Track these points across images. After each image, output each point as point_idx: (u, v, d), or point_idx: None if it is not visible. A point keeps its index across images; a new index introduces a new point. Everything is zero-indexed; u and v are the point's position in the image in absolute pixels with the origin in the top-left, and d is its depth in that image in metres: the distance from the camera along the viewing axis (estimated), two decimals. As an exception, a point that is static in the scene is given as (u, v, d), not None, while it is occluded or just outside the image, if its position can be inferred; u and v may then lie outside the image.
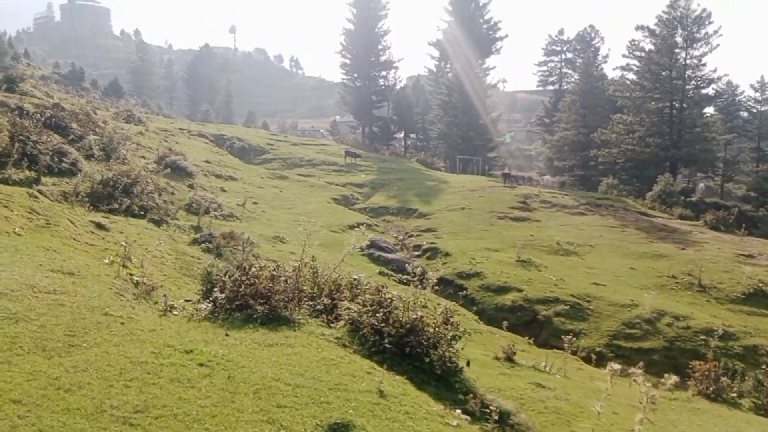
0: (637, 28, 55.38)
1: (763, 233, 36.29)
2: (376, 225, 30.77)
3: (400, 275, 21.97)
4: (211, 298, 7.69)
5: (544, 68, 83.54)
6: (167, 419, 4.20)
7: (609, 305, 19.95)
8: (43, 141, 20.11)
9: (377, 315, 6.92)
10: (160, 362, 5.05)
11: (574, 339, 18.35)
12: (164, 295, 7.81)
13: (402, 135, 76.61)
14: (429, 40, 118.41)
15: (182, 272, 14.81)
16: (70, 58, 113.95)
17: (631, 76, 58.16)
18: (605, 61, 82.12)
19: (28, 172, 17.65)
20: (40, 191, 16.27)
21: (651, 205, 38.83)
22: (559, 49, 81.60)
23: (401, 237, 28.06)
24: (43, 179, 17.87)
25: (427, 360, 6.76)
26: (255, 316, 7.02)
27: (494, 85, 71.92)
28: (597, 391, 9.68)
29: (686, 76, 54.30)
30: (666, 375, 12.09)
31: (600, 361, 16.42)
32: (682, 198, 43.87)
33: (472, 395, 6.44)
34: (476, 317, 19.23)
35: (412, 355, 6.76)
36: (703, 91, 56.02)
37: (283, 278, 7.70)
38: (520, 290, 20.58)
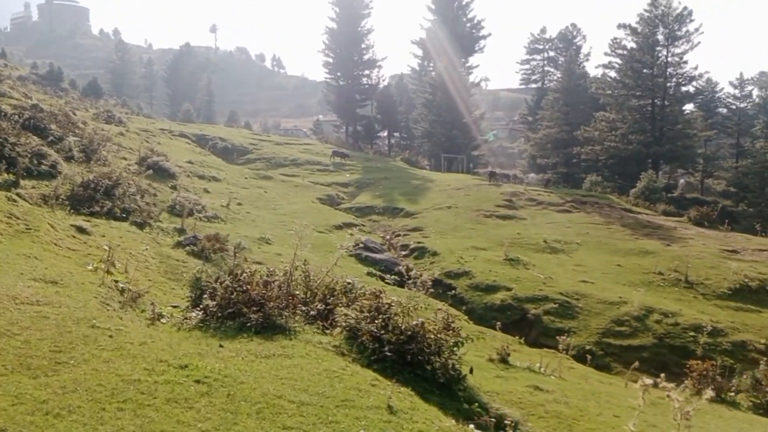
0: (619, 26, 55.89)
1: (743, 228, 36.67)
2: (363, 225, 30.55)
3: (389, 276, 21.82)
4: (201, 306, 7.41)
5: (527, 66, 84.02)
6: (166, 448, 3.93)
7: (598, 303, 19.96)
8: (21, 143, 19.58)
9: (376, 321, 6.71)
10: (154, 380, 4.78)
11: (565, 338, 18.39)
12: (152, 303, 7.52)
13: (386, 134, 76.40)
14: (412, 38, 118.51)
15: (167, 276, 14.47)
16: (48, 59, 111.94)
17: (613, 74, 58.67)
18: (587, 59, 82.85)
19: (6, 174, 17.15)
20: (19, 194, 15.82)
21: (635, 202, 39.10)
22: (541, 47, 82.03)
23: (388, 237, 27.88)
24: (22, 182, 17.38)
25: (429, 368, 6.57)
26: (249, 324, 6.77)
27: (477, 83, 72.10)
28: (595, 394, 9.59)
29: (668, 73, 54.83)
30: (662, 375, 12.08)
31: (592, 360, 16.40)
32: (665, 194, 44.27)
33: (477, 404, 6.26)
34: (466, 317, 19.09)
35: (414, 362, 6.56)
36: (684, 89, 56.60)
37: (277, 284, 7.45)
38: (509, 289, 20.51)
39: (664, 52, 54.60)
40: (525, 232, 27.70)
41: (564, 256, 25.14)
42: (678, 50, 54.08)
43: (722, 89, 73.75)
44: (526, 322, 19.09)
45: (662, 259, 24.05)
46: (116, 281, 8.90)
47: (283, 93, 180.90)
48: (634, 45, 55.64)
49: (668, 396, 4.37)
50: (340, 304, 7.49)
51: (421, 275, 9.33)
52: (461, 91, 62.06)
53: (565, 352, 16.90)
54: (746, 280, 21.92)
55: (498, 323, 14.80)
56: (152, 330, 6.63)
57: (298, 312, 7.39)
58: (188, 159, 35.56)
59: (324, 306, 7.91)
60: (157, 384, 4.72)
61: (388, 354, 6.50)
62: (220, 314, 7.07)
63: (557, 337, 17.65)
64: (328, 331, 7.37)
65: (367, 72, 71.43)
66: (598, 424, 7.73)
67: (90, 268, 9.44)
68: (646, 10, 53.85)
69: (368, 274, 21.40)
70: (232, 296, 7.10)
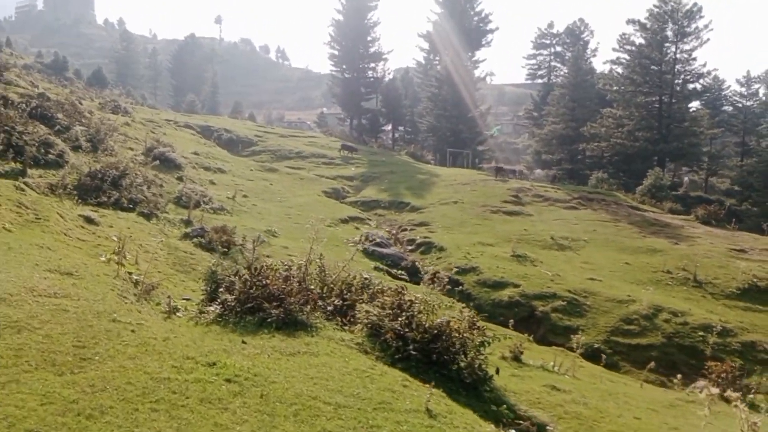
0: (628, 21, 55.49)
1: (748, 227, 36.44)
2: (369, 219, 30.42)
3: (396, 270, 21.71)
4: (219, 300, 7.29)
5: (533, 61, 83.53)
6: (209, 453, 3.78)
7: (606, 301, 19.84)
8: (29, 132, 19.47)
9: (399, 319, 6.59)
10: (184, 378, 4.66)
11: (574, 335, 18.28)
12: (168, 297, 7.39)
13: (390, 127, 76.17)
14: (419, 32, 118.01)
15: (176, 268, 14.36)
16: (52, 48, 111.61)
17: (620, 70, 58.30)
18: (594, 55, 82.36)
19: (13, 163, 17.03)
20: (26, 184, 15.71)
21: (641, 200, 38.92)
22: (548, 42, 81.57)
23: (394, 231, 27.74)
24: (30, 171, 17.26)
25: (455, 367, 6.45)
26: (269, 320, 6.65)
27: (483, 78, 71.77)
28: (612, 394, 9.47)
29: (676, 70, 54.47)
30: (679, 376, 11.96)
31: (604, 359, 16.27)
32: (671, 192, 44.07)
33: (505, 406, 6.14)
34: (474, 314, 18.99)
35: (439, 362, 6.44)
36: (692, 86, 56.29)
37: (296, 279, 7.32)
38: (516, 286, 20.39)
39: (673, 49, 54.25)
40: (532, 228, 27.56)
41: (571, 253, 25.01)
42: (687, 47, 53.76)
43: (729, 87, 73.29)
44: (534, 320, 18.98)
45: (670, 258, 23.90)
46: (130, 273, 8.78)
47: (287, 85, 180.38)
48: (642, 41, 55.27)
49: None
50: (359, 301, 7.37)
51: (437, 272, 9.14)
52: (467, 85, 61.78)
53: (571, 349, 16.82)
54: (755, 279, 21.77)
55: (511, 321, 14.67)
56: (171, 324, 6.51)
57: (318, 308, 7.27)
58: (194, 150, 35.40)
59: (341, 302, 7.80)
60: (188, 383, 4.59)
61: (413, 353, 6.39)
62: (238, 309, 6.95)
63: (572, 336, 17.60)
64: (346, 328, 7.26)
65: (372, 65, 71.20)
66: (619, 426, 7.62)
67: (103, 259, 9.33)
68: (655, 6, 53.45)
69: (375, 268, 21.27)
70: (251, 291, 6.98)
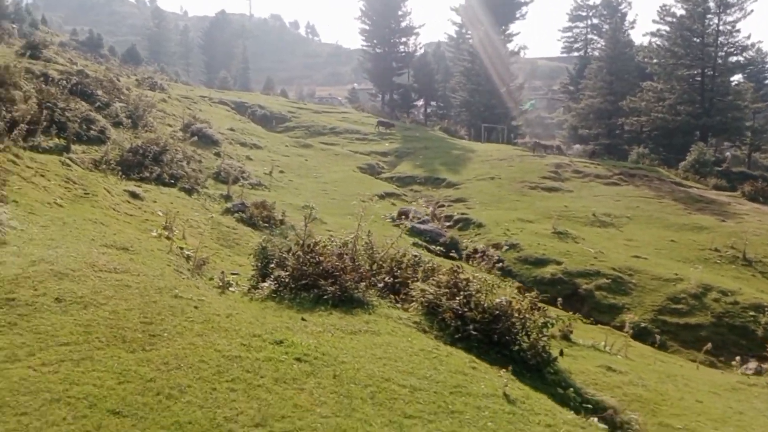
0: (669, -8, 53.27)
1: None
2: (404, 195, 30.24)
3: (434, 246, 21.51)
4: (272, 276, 7.21)
5: (569, 34, 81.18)
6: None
7: (652, 279, 19.36)
8: (71, 108, 19.66)
9: (457, 298, 6.41)
10: (255, 357, 4.57)
11: (619, 314, 17.97)
12: (222, 272, 7.35)
13: (422, 103, 75.30)
14: (451, 5, 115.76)
15: (220, 243, 14.45)
16: (86, 25, 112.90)
17: (661, 42, 56.24)
18: (633, 27, 79.40)
19: (57, 139, 17.22)
20: (71, 159, 15.90)
21: (684, 175, 37.77)
22: (584, 14, 79.11)
23: (431, 207, 27.45)
24: (73, 147, 17.46)
25: (516, 348, 6.27)
26: (325, 297, 6.55)
27: (517, 52, 70.08)
28: (670, 376, 9.19)
29: (719, 42, 52.29)
30: (738, 358, 11.56)
31: (656, 338, 15.91)
32: (715, 168, 42.69)
33: (572, 389, 5.95)
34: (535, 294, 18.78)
35: (501, 342, 6.26)
36: (734, 59, 54.01)
37: (349, 256, 7.19)
38: (558, 263, 20.02)
39: (715, 20, 51.99)
40: (572, 204, 26.99)
41: (614, 230, 24.44)
42: (730, 18, 51.46)
43: (773, 59, 70.18)
44: (578, 297, 18.63)
45: (718, 236, 23.16)
46: (181, 248, 8.78)
47: (318, 61, 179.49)
48: (683, 12, 53.09)
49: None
50: (411, 279, 7.21)
51: (485, 250, 8.81)
52: (501, 59, 60.51)
53: (617, 328, 16.51)
54: (808, 258, 20.98)
55: (558, 299, 14.39)
56: (228, 299, 6.46)
57: (371, 285, 7.13)
58: (229, 126, 35.54)
59: (392, 279, 7.64)
60: (259, 361, 4.51)
61: (474, 333, 6.21)
62: (293, 285, 6.87)
63: (613, 314, 17.28)
64: (400, 306, 7.12)
65: (404, 39, 70.18)
66: (682, 409, 7.36)
67: (154, 234, 9.36)
68: (697, -24, 51.20)
69: (414, 244, 21.13)
70: (305, 267, 6.88)
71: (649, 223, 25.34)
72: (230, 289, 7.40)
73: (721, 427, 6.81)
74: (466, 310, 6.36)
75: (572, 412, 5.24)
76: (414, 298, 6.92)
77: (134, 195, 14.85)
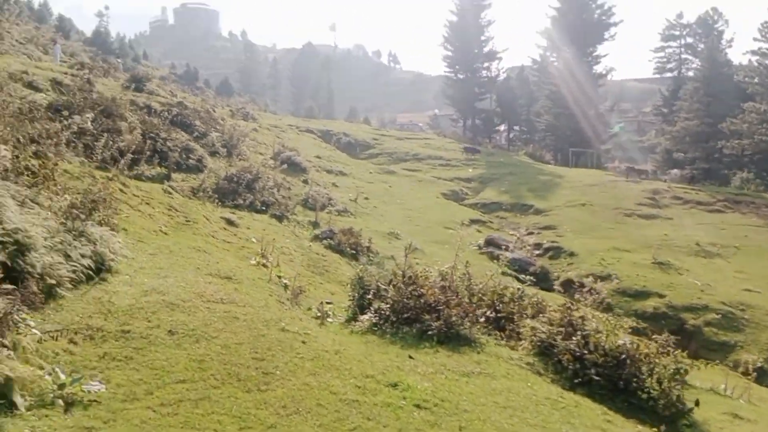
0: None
1: None
2: (490, 221, 29.57)
3: (524, 276, 20.75)
4: (372, 308, 7.02)
5: (661, 54, 77.77)
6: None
7: (767, 315, 17.70)
8: (171, 138, 20.67)
9: (574, 339, 5.94)
10: (372, 401, 4.36)
11: (732, 353, 16.53)
12: (321, 303, 7.24)
13: (504, 127, 74.24)
14: (536, 29, 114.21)
15: (310, 270, 14.50)
16: (182, 59, 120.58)
17: (762, 60, 52.60)
18: (730, 46, 74.81)
19: (158, 168, 18.09)
20: (172, 187, 16.62)
21: (797, 202, 34.64)
22: (677, 33, 75.67)
23: (518, 234, 26.66)
24: (173, 175, 18.29)
25: (644, 396, 5.70)
26: (429, 332, 6.27)
27: (605, 73, 67.85)
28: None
29: (828, 59, 48.24)
30: None
31: (763, 378, 14.43)
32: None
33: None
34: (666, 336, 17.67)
35: (627, 390, 5.71)
36: None
37: (452, 289, 6.88)
38: (661, 296, 18.72)
39: (824, 37, 48.06)
40: (673, 233, 25.34)
41: (721, 261, 22.65)
42: (839, 34, 47.37)
43: None
44: (684, 334, 17.22)
45: (841, 268, 20.94)
46: (279, 276, 8.80)
47: (399, 88, 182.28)
48: (788, 29, 49.48)
49: None
50: (518, 314, 6.78)
51: (595, 283, 8.18)
52: (588, 81, 58.76)
53: (732, 368, 15.15)
54: None
55: (667, 335, 13.30)
56: (330, 332, 6.30)
57: (477, 320, 6.78)
58: (316, 154, 36.34)
59: (494, 313, 7.23)
60: (378, 407, 4.27)
61: (596, 378, 5.71)
62: (394, 318, 6.64)
63: (724, 352, 15.90)
64: (504, 342, 6.70)
65: (486, 64, 69.72)
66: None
67: (253, 262, 9.46)
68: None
69: (503, 273, 20.49)
70: (406, 300, 6.63)
71: (759, 254, 23.31)
72: (328, 319, 7.27)
73: None
74: (585, 351, 5.87)
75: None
76: (523, 336, 6.48)
77: (230, 222, 15.26)
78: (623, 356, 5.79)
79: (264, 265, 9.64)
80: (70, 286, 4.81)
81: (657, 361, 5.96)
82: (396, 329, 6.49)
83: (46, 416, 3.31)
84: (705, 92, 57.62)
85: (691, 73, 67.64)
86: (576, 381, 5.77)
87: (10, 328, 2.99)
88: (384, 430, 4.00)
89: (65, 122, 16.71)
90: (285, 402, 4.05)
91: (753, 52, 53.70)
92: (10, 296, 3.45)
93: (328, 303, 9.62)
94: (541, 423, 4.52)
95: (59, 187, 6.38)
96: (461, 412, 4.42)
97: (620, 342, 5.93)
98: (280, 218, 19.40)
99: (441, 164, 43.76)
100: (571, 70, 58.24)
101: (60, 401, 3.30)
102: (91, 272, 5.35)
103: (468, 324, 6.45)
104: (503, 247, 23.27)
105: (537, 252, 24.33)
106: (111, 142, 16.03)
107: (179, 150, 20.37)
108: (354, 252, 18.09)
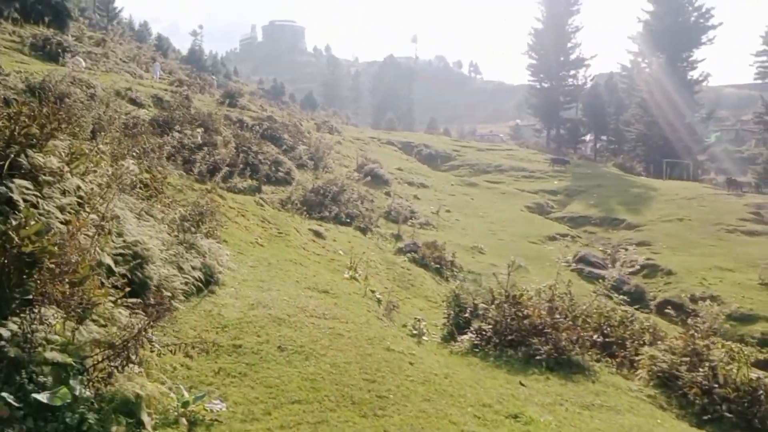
0: None
1: None
2: (578, 236, 28.47)
3: (618, 296, 19.73)
4: (473, 329, 6.81)
5: (763, 58, 72.58)
6: None
7: None
8: (263, 151, 21.39)
9: (701, 371, 5.46)
10: None
11: None
12: (417, 320, 7.10)
13: (590, 137, 71.67)
14: (627, 34, 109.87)
15: (396, 284, 14.41)
16: (269, 74, 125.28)
17: None
18: (838, 49, 68.21)
19: (250, 180, 18.71)
20: (263, 199, 17.11)
21: None
22: (782, 36, 70.35)
23: (609, 251, 25.42)
24: (263, 188, 18.85)
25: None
26: (537, 357, 5.98)
27: (701, 80, 64.10)
28: None
29: None
30: None
31: None
32: None
33: None
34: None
35: (764, 429, 5.19)
36: None
37: (560, 311, 6.55)
38: (771, 320, 17.25)
39: None
40: (783, 252, 23.34)
41: (839, 284, 20.59)
42: None
43: None
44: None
45: None
46: (372, 291, 8.76)
47: (480, 98, 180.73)
48: None
49: None
50: (632, 340, 6.33)
51: (711, 305, 7.58)
52: (683, 88, 55.71)
53: None
54: None
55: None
56: (431, 352, 6.15)
57: (585, 345, 6.39)
58: (397, 166, 36.48)
59: (602, 337, 6.80)
60: None
61: (728, 414, 5.22)
62: (497, 340, 6.39)
63: None
64: (614, 370, 6.27)
65: (573, 72, 67.78)
66: None
67: (346, 276, 9.49)
68: None
69: (594, 292, 19.57)
70: (510, 321, 6.37)
71: None
72: (423, 337, 7.12)
73: None
74: (715, 385, 5.38)
75: None
76: (639, 365, 6.05)
77: (317, 234, 15.49)
78: (760, 392, 5.26)
79: (354, 279, 9.64)
80: (182, 298, 4.94)
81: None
82: (500, 352, 6.23)
83: (172, 435, 3.35)
84: (814, 98, 53.24)
85: (797, 78, 62.66)
86: (705, 418, 5.29)
87: (143, 344, 3.05)
88: (513, 469, 3.78)
89: (167, 136, 17.67)
90: (404, 430, 3.91)
91: None
92: (135, 310, 3.55)
93: (417, 319, 9.47)
94: (676, 466, 4.15)
95: (169, 200, 6.64)
96: (590, 451, 4.13)
97: (754, 376, 5.39)
98: (364, 230, 19.50)
99: (524, 176, 42.77)
100: (664, 76, 55.43)
101: (183, 420, 3.34)
102: (201, 284, 5.49)
103: (579, 349, 6.08)
104: (595, 264, 22.29)
105: (630, 270, 23.05)
106: (208, 156, 16.76)
107: (269, 163, 21.02)
108: (438, 266, 17.88)
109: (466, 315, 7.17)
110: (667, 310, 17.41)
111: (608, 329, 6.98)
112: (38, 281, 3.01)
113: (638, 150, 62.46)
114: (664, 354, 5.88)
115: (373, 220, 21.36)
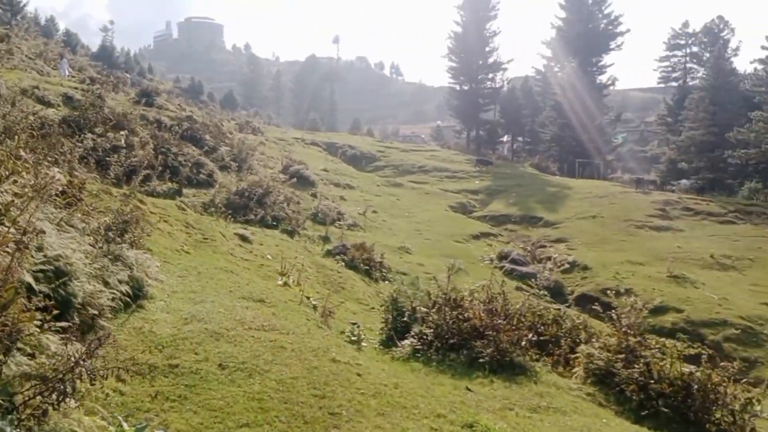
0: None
1: None
2: (500, 234, 29.33)
3: (539, 291, 20.46)
4: (413, 333, 6.76)
5: (666, 63, 77.84)
6: None
7: (788, 329, 17.41)
8: (183, 153, 20.52)
9: (636, 367, 5.66)
10: None
11: (752, 368, 16.25)
12: (355, 325, 6.98)
13: (508, 138, 74.21)
14: (541, 39, 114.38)
15: (327, 287, 14.22)
16: (186, 73, 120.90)
17: (770, 69, 52.54)
18: (736, 55, 74.60)
19: (170, 183, 17.88)
20: (184, 203, 16.41)
21: (808, 213, 34.39)
22: (683, 42, 75.78)
23: (529, 248, 26.38)
24: (184, 191, 18.09)
25: (714, 430, 5.43)
26: (480, 360, 6.00)
27: (609, 84, 67.91)
28: None
29: (839, 66, 48.18)
30: None
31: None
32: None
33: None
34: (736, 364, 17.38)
35: (699, 422, 5.44)
36: None
37: (498, 311, 6.62)
38: (679, 311, 18.45)
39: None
40: (686, 245, 25.07)
41: (736, 273, 22.37)
42: None
43: None
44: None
45: None
46: (307, 297, 8.54)
47: (401, 100, 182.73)
48: (798, 36, 49.46)
49: None
50: (566, 338, 6.51)
51: (636, 301, 7.89)
52: (593, 91, 58.80)
53: (752, 384, 14.80)
54: None
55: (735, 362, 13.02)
56: (374, 360, 6.03)
57: (527, 346, 6.49)
58: (323, 167, 36.19)
59: (536, 336, 6.96)
60: None
61: (664, 410, 5.44)
62: (438, 344, 6.37)
63: (746, 369, 15.54)
64: (549, 367, 6.42)
65: (491, 75, 69.74)
66: None
67: (280, 283, 9.20)
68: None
69: (517, 288, 20.20)
70: (452, 324, 6.37)
71: (776, 266, 23.05)
72: (363, 344, 7.01)
73: None
74: (650, 381, 5.60)
75: None
76: (574, 363, 6.21)
77: (244, 238, 15.01)
78: (696, 386, 5.53)
79: (288, 285, 9.39)
80: (110, 315, 4.57)
81: (725, 390, 5.69)
82: (442, 356, 6.21)
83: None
84: (711, 101, 57.51)
85: (696, 82, 67.65)
86: (643, 414, 5.50)
87: (81, 377, 2.74)
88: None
89: (77, 138, 16.57)
90: (364, 450, 3.76)
91: (760, 61, 53.73)
92: (65, 335, 3.21)
93: (353, 324, 9.36)
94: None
95: (90, 208, 6.16)
96: (548, 460, 4.16)
97: (686, 370, 5.67)
98: (291, 233, 19.16)
99: (447, 176, 43.61)
100: (576, 79, 58.24)
101: (127, 457, 3.04)
102: (129, 299, 5.11)
103: (519, 351, 6.17)
104: (518, 261, 23.02)
105: (549, 265, 24.03)
106: (124, 158, 15.86)
107: (190, 165, 20.20)
108: (367, 268, 17.83)
109: (405, 319, 7.13)
110: (588, 305, 18.23)
111: (542, 327, 7.17)
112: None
113: (552, 150, 65.30)
114: (599, 352, 6.09)
115: (300, 222, 21.03)
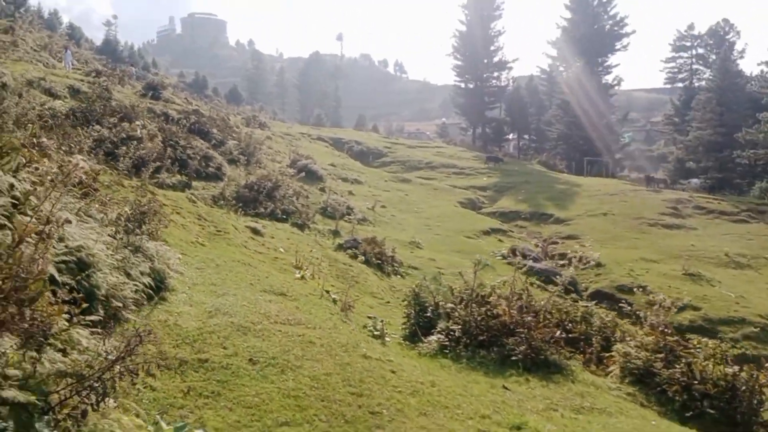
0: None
1: None
2: (510, 231, 29.05)
3: (552, 287, 20.20)
4: (440, 329, 6.53)
5: (672, 65, 77.55)
6: None
7: (806, 328, 17.15)
8: (191, 146, 20.33)
9: (677, 367, 5.43)
10: None
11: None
12: (381, 321, 6.75)
13: (514, 136, 73.89)
14: (546, 39, 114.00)
15: (340, 281, 14.01)
16: (189, 68, 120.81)
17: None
18: (742, 57, 73.96)
19: (179, 176, 17.68)
20: (194, 195, 16.22)
21: (820, 212, 34.02)
22: (689, 44, 75.48)
23: (541, 244, 26.10)
24: (193, 183, 17.91)
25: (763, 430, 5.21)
26: (512, 357, 5.76)
27: (615, 84, 67.48)
28: None
29: None
30: None
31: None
32: None
33: None
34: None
35: (747, 423, 5.21)
36: None
37: (530, 308, 6.39)
38: (696, 308, 18.15)
39: None
40: (700, 243, 24.77)
41: (752, 272, 22.09)
42: None
43: None
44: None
45: None
46: (327, 291, 8.32)
47: (405, 97, 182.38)
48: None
49: None
50: (598, 336, 6.27)
51: (664, 299, 7.63)
52: (601, 91, 58.47)
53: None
54: None
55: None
56: (400, 356, 5.80)
57: (561, 344, 6.26)
58: (330, 162, 35.96)
59: (565, 334, 6.72)
60: None
61: (710, 411, 5.21)
62: (467, 341, 6.14)
63: (762, 366, 15.29)
64: (580, 365, 6.18)
65: (496, 74, 69.38)
66: None
67: (297, 276, 8.98)
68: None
69: (530, 284, 19.95)
70: (480, 321, 6.14)
71: (791, 265, 22.76)
72: (386, 338, 6.78)
73: None
74: (694, 382, 5.37)
75: None
76: (610, 361, 5.98)
77: (255, 231, 14.81)
78: (742, 387, 5.30)
79: (302, 278, 9.18)
80: (134, 308, 4.36)
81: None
82: (471, 353, 5.98)
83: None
84: (718, 102, 57.16)
85: (702, 83, 67.31)
86: (687, 414, 5.27)
87: (122, 376, 2.51)
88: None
89: (85, 129, 16.38)
90: (413, 453, 3.53)
91: (767, 63, 53.28)
92: (94, 329, 2.99)
93: (370, 318, 9.15)
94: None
95: (106, 198, 5.94)
96: (605, 460, 3.94)
97: (730, 371, 5.43)
98: (301, 227, 18.96)
99: (455, 172, 43.34)
100: (581, 79, 57.90)
101: (168, 458, 2.82)
102: (151, 291, 4.89)
103: (553, 348, 5.94)
104: (528, 257, 22.74)
105: (562, 262, 23.73)
106: (133, 150, 15.67)
107: (199, 158, 20.01)
108: (379, 262, 17.61)
109: (428, 314, 6.90)
110: (603, 301, 18.02)
111: (570, 325, 6.93)
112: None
113: (559, 148, 64.94)
114: (636, 351, 5.86)
115: (310, 216, 20.82)
